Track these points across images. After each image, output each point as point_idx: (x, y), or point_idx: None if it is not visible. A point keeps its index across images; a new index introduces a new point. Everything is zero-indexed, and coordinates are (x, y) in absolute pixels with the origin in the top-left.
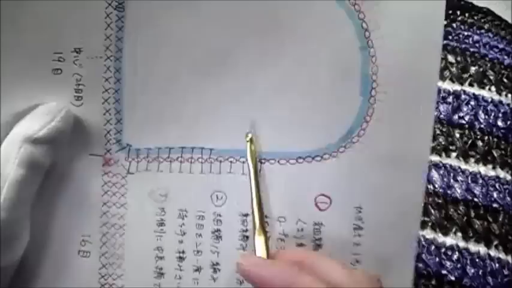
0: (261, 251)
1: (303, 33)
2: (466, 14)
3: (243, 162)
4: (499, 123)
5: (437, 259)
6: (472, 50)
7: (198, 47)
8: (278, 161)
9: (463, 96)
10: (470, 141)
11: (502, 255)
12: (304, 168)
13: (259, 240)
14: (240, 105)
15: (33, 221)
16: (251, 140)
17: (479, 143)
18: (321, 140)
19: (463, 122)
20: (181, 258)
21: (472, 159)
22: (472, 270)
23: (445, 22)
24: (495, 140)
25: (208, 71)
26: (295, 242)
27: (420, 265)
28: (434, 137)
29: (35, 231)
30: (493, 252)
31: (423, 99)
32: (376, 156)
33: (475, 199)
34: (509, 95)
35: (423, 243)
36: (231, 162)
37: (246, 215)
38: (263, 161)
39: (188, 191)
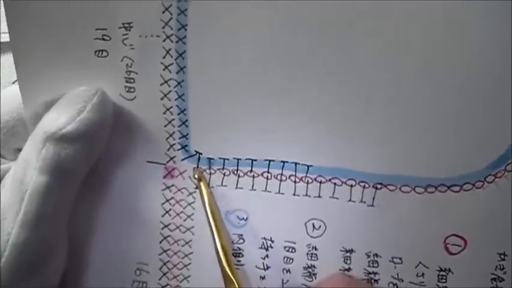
0: None
1: (437, 19)
2: None
3: (351, 186)
4: None
5: None
6: None
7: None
8: (400, 188)
9: None
10: None
11: None
12: (434, 199)
13: None
14: (348, 113)
15: (74, 242)
16: (200, 179)
17: None
18: (462, 165)
19: None
20: None
21: None
22: None
23: None
24: None
25: (304, 64)
26: None
27: None
28: None
29: (76, 255)
30: None
31: None
32: None
33: None
34: None
35: None
36: (334, 184)
37: (351, 251)
38: (379, 186)
39: (275, 216)
